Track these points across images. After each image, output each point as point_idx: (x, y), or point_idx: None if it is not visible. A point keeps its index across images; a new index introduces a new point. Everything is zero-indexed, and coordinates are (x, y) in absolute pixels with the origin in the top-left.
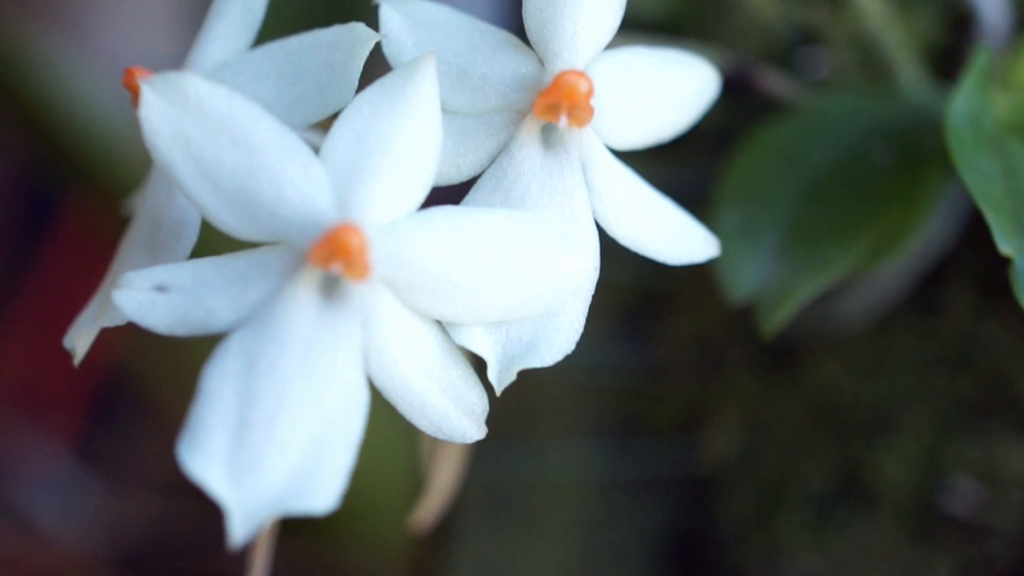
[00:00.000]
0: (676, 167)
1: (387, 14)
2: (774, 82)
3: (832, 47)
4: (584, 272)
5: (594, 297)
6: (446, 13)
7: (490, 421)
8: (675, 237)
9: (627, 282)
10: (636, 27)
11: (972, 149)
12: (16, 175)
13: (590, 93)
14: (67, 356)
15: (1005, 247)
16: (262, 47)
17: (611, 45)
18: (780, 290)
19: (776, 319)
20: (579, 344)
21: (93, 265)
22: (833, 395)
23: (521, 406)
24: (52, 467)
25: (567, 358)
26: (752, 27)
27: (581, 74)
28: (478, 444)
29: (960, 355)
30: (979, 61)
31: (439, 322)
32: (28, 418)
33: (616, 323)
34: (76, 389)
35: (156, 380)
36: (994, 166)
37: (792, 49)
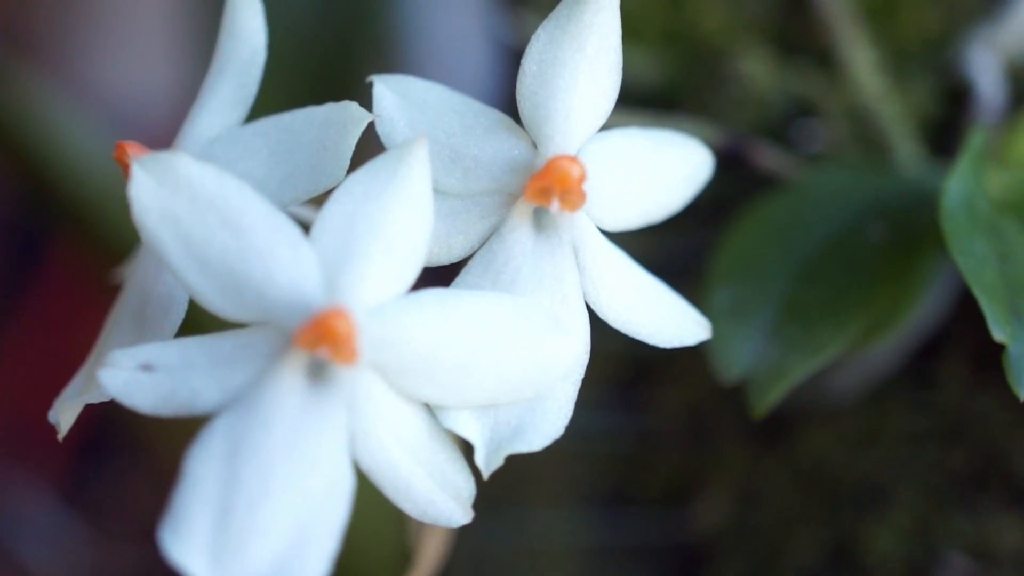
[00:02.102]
0: (672, 238)
1: (380, 93)
2: (768, 157)
3: (828, 120)
4: (574, 356)
5: (587, 366)
6: (440, 92)
7: (478, 488)
8: (666, 320)
9: (620, 350)
10: (632, 100)
11: (966, 232)
12: (4, 214)
13: (582, 179)
14: (55, 396)
15: (999, 334)
16: (255, 123)
17: (608, 123)
18: (773, 371)
19: (768, 400)
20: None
21: (81, 307)
22: (825, 467)
23: (510, 473)
24: (39, 508)
25: None
26: (748, 99)
27: (574, 159)
28: None
29: (953, 429)
30: (974, 142)
31: (427, 405)
32: (16, 459)
33: (608, 391)
34: (65, 434)
35: (144, 423)
36: (988, 249)
37: (788, 122)
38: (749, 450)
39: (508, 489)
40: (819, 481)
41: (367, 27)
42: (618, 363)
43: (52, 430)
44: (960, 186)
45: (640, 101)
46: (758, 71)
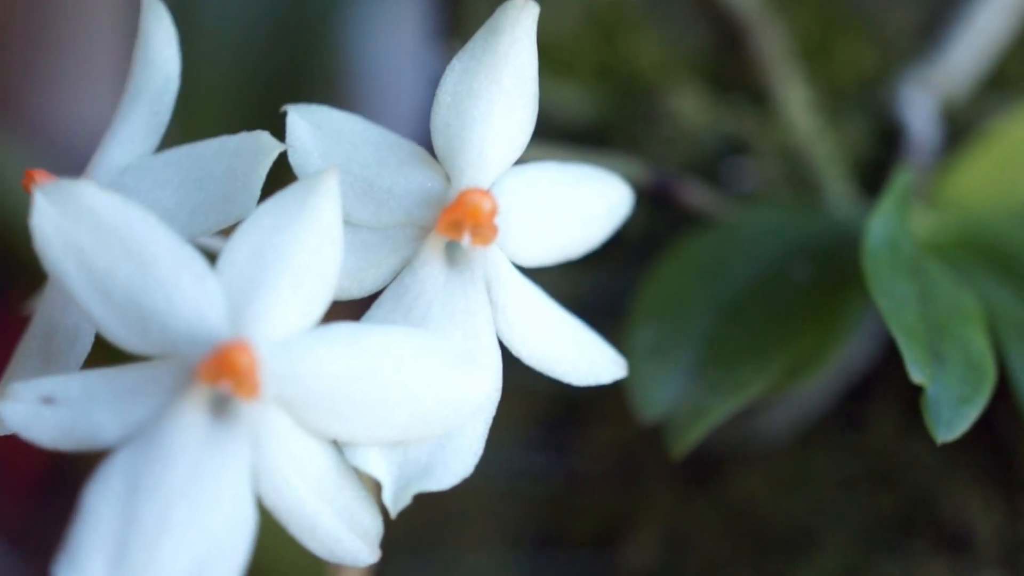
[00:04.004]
0: (600, 274)
1: (294, 122)
2: (696, 195)
3: (760, 159)
4: (484, 393)
5: (514, 404)
6: (355, 123)
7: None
8: (581, 358)
9: (548, 389)
10: (564, 135)
11: (888, 273)
12: None
13: (493, 212)
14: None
15: (917, 376)
16: (167, 152)
17: (530, 157)
18: (692, 411)
19: (687, 440)
20: (497, 451)
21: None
22: (754, 510)
23: (435, 513)
24: None
25: (484, 464)
26: (680, 136)
27: (485, 193)
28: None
29: (883, 472)
30: (898, 183)
31: (334, 441)
32: None
33: (536, 430)
34: (14, 476)
35: (96, 463)
36: (910, 291)
37: (720, 160)
38: (678, 491)
39: (433, 529)
40: (748, 524)
41: (316, 58)
42: (546, 402)
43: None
44: (883, 227)
45: (572, 136)
46: (690, 108)
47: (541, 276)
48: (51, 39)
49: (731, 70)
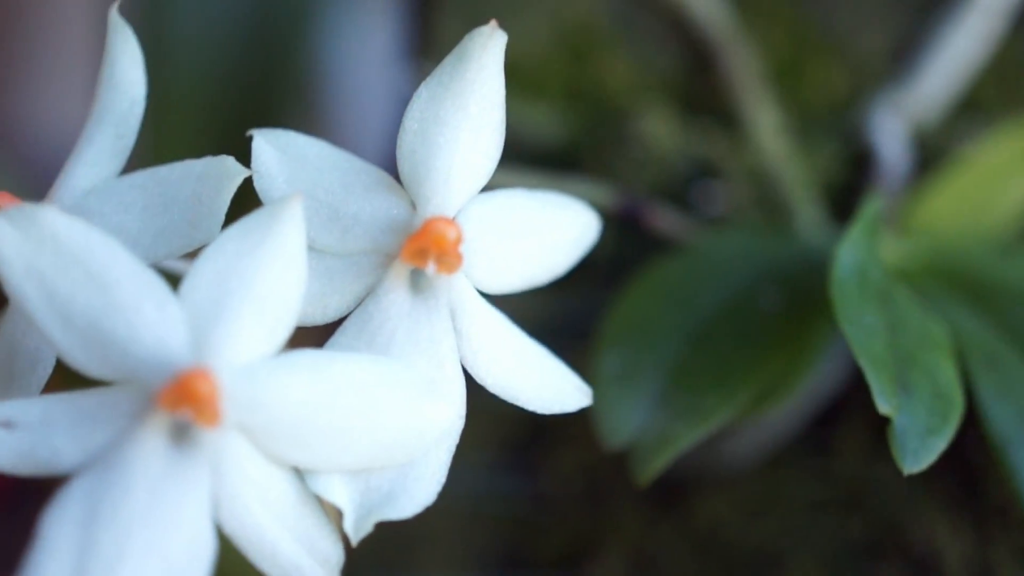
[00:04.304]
0: (570, 298)
1: (260, 147)
2: (664, 219)
3: (730, 182)
4: (448, 421)
5: (481, 426)
6: (321, 149)
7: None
8: (545, 386)
9: (515, 412)
10: (534, 157)
11: (856, 302)
12: None
13: (458, 241)
14: None
15: (884, 406)
16: (131, 175)
17: (498, 183)
18: (658, 438)
19: (652, 468)
20: (465, 473)
21: None
22: (722, 533)
23: (400, 534)
24: None
25: (451, 486)
26: (650, 159)
27: (450, 222)
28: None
29: (851, 497)
30: (868, 210)
31: (296, 468)
32: None
33: (503, 453)
34: None
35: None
36: (879, 320)
37: (690, 183)
38: (645, 514)
39: (400, 551)
40: (715, 547)
41: (289, 72)
42: (514, 424)
43: None
44: (852, 255)
45: (542, 158)
46: (660, 131)
47: (509, 300)
48: (20, 44)
49: (702, 92)
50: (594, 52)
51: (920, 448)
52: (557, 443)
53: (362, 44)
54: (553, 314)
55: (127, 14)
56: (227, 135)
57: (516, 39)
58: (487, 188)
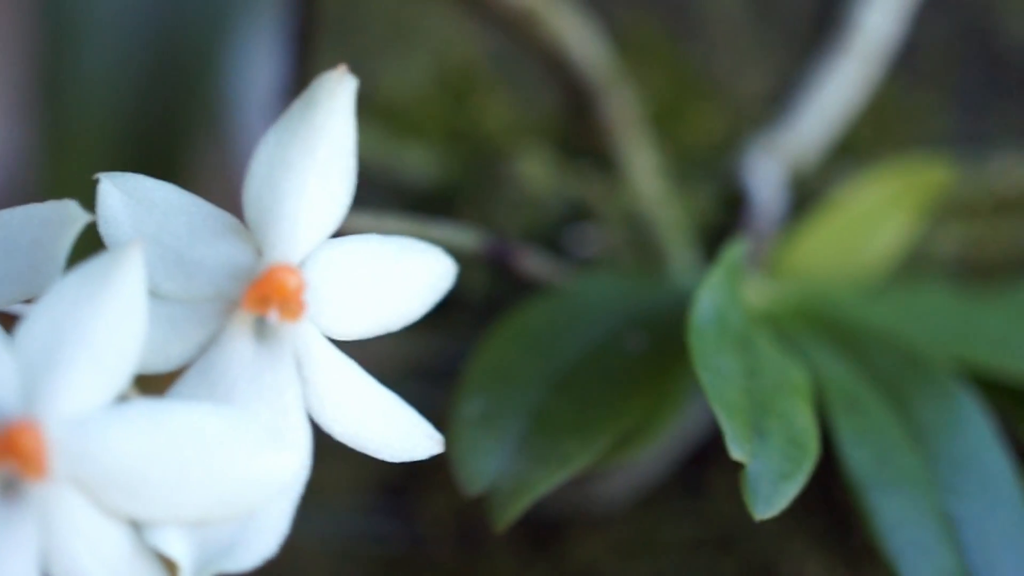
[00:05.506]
0: (440, 338)
1: (106, 191)
2: (534, 263)
3: (604, 225)
4: (291, 472)
5: (355, 469)
6: (170, 192)
7: None
8: (394, 435)
9: None
10: (409, 200)
11: (714, 348)
12: None
13: (300, 289)
14: None
15: (737, 452)
16: None
17: (360, 227)
18: (516, 484)
19: (510, 514)
20: (339, 515)
21: None
22: (597, 574)
23: (273, 572)
24: None
25: (324, 527)
26: (525, 201)
27: (292, 270)
28: None
29: (724, 537)
30: (728, 256)
31: (133, 521)
32: None
33: (378, 495)
34: None
35: None
36: (736, 365)
37: (564, 226)
38: (519, 556)
39: None
40: None
41: (197, 105)
42: (389, 467)
43: None
44: (711, 300)
45: (418, 200)
46: (536, 173)
47: (379, 342)
48: None
49: (580, 135)
50: (474, 93)
51: (773, 494)
52: (432, 485)
53: (268, 71)
54: (424, 354)
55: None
56: (134, 163)
57: (396, 79)
58: (343, 233)
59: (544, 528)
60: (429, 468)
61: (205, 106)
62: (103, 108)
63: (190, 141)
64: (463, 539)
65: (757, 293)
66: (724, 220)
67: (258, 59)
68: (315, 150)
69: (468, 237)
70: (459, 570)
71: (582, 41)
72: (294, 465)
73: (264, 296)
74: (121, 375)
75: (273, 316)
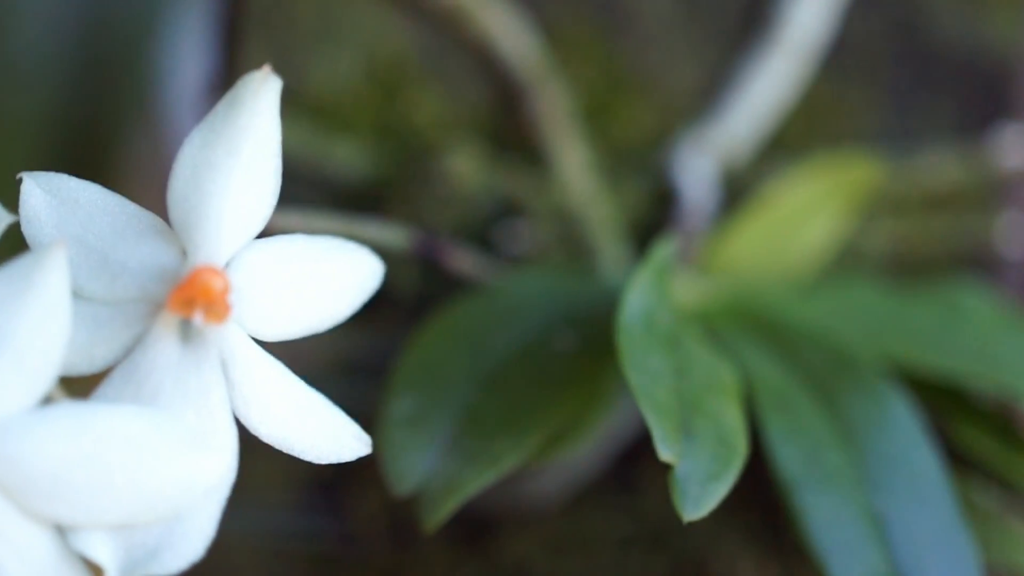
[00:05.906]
0: (370, 335)
1: (29, 191)
2: (462, 260)
3: (534, 221)
4: (217, 474)
5: (287, 466)
6: (94, 192)
7: None
8: (321, 436)
9: None
10: (338, 196)
11: (642, 347)
12: None
13: (225, 290)
14: None
15: (665, 453)
16: None
17: (286, 225)
18: (446, 483)
19: (439, 515)
20: (270, 512)
21: None
22: (528, 571)
23: (200, 572)
24: None
25: (256, 524)
26: (455, 197)
27: (217, 272)
28: None
29: (656, 534)
30: (656, 254)
31: (58, 525)
32: None
33: (310, 492)
34: None
35: None
36: (665, 365)
37: (494, 222)
38: (451, 553)
39: None
40: None
41: (130, 91)
42: (319, 464)
43: None
44: (639, 299)
45: (347, 196)
46: (465, 168)
47: (309, 341)
48: None
49: (511, 130)
50: (404, 88)
51: (702, 495)
52: (364, 481)
53: (195, 70)
54: (354, 352)
55: None
56: (64, 159)
57: (325, 74)
58: (270, 233)
59: (477, 525)
60: (361, 464)
61: (134, 100)
62: (28, 102)
63: (119, 136)
64: (395, 536)
65: (687, 291)
66: (655, 216)
67: (188, 52)
68: (239, 151)
69: (397, 234)
70: (391, 567)
71: (511, 36)
72: (220, 467)
73: (189, 298)
74: (45, 378)
75: (198, 318)
